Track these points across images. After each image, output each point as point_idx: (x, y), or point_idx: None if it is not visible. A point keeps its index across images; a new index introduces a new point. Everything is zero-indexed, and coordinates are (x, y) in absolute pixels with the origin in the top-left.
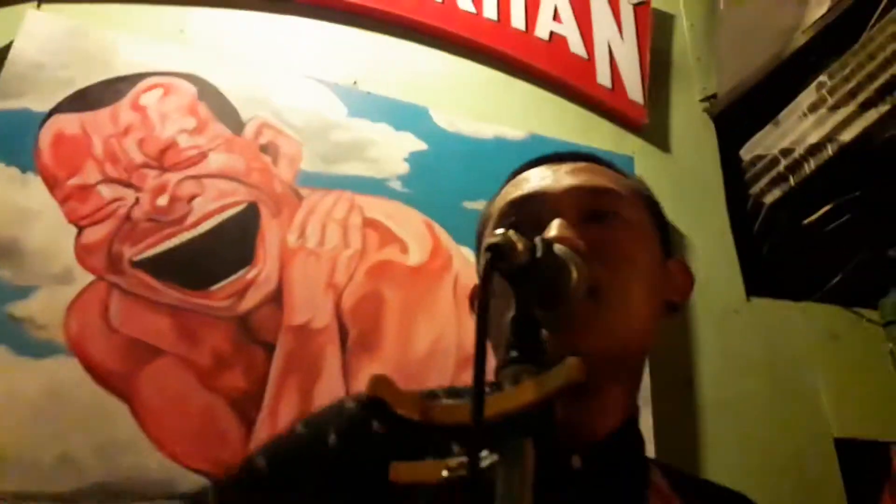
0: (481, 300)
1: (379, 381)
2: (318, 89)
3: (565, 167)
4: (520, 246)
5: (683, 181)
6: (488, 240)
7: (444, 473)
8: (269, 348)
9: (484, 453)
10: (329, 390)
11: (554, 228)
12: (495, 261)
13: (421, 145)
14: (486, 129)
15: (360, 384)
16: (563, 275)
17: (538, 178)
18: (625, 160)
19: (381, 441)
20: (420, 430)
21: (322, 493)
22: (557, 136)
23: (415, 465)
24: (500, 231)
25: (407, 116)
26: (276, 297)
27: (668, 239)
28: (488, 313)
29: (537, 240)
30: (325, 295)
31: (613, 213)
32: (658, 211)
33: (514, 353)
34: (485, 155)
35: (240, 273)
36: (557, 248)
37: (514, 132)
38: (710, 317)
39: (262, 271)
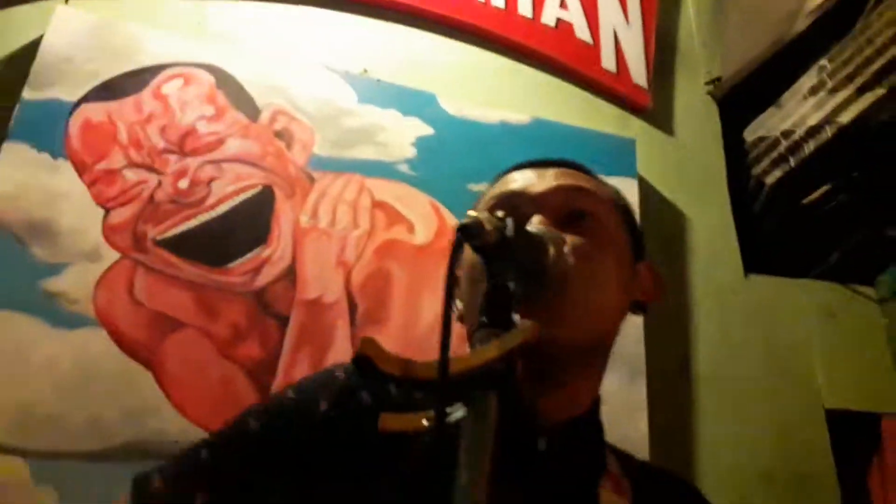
0: (448, 274)
1: (366, 342)
2: (329, 77)
3: (551, 171)
4: (488, 226)
5: (686, 162)
6: (461, 221)
7: (425, 422)
8: (283, 321)
9: (458, 407)
10: (339, 361)
11: (533, 224)
12: (462, 239)
13: (428, 130)
14: (491, 114)
15: None
16: (540, 251)
17: (524, 179)
18: (628, 143)
19: (369, 410)
20: (400, 383)
21: (311, 457)
22: (561, 120)
23: (400, 415)
24: (471, 213)
25: (414, 102)
26: (290, 274)
27: (639, 244)
28: (454, 283)
29: (508, 220)
30: (336, 272)
31: (590, 214)
32: (631, 218)
33: (484, 319)
34: (490, 139)
35: (255, 251)
36: (535, 227)
37: (519, 117)
38: (708, 293)
39: (277, 249)
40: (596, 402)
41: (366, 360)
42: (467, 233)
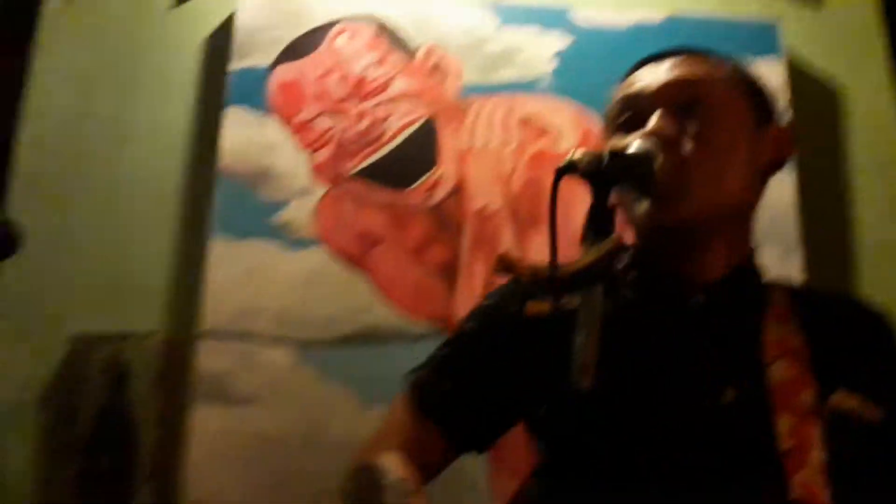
0: (550, 204)
1: (501, 256)
2: (470, 8)
3: (664, 65)
4: (582, 164)
5: (839, 34)
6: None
7: (547, 308)
8: (458, 230)
9: (574, 296)
10: None
11: (652, 121)
12: (559, 178)
13: (564, 43)
14: (623, 19)
15: (532, 254)
16: (649, 164)
17: (640, 79)
18: (771, 24)
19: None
20: (530, 284)
21: (508, 346)
22: (697, 13)
23: (537, 302)
24: (572, 153)
25: (550, 18)
26: (458, 190)
27: (765, 109)
28: (556, 207)
29: (605, 153)
30: (495, 185)
31: (702, 99)
32: (753, 86)
33: (589, 232)
34: (624, 44)
35: (428, 174)
36: (640, 144)
37: (652, 17)
38: (872, 165)
39: (445, 170)
40: (748, 255)
41: (505, 269)
42: (561, 172)
